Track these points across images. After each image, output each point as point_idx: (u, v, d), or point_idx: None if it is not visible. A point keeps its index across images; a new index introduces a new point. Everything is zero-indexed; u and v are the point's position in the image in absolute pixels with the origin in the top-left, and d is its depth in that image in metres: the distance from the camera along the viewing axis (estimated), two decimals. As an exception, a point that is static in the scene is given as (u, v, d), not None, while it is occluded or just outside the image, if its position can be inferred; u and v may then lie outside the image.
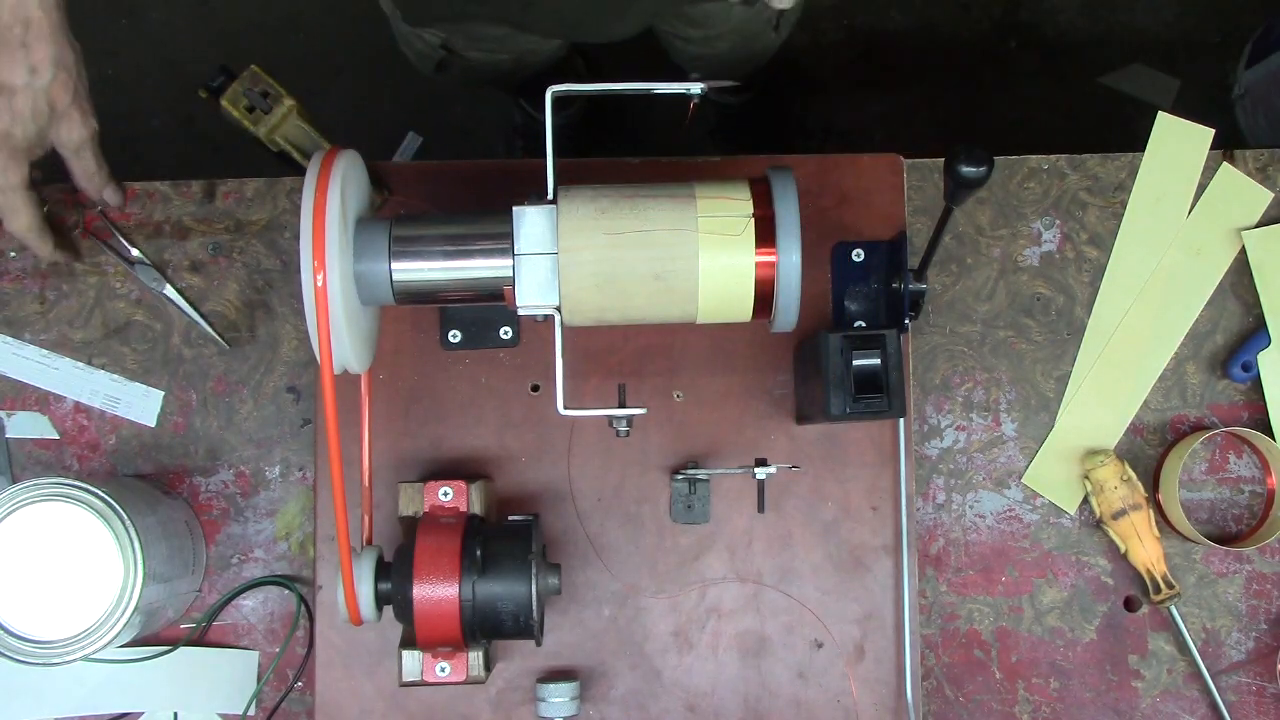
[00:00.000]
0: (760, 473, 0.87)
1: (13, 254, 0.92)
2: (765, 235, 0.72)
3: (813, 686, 0.89)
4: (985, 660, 0.92)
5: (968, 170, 0.69)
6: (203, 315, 0.92)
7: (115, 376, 0.92)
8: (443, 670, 0.80)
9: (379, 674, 0.88)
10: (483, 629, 0.77)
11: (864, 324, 0.92)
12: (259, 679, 0.90)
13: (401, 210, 0.91)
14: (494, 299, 0.75)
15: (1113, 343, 0.94)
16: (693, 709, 0.89)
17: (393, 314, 0.90)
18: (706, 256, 0.72)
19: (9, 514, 0.76)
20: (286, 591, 0.91)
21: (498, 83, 0.90)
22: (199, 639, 0.90)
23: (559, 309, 0.74)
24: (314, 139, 0.85)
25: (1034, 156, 0.96)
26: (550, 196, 0.74)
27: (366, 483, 0.82)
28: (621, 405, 0.83)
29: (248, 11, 1.84)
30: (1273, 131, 1.57)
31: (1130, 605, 0.93)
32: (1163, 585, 0.90)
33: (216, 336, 0.90)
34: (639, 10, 1.03)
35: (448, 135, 1.80)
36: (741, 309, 0.74)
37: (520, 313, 0.74)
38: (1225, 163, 0.96)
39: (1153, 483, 0.94)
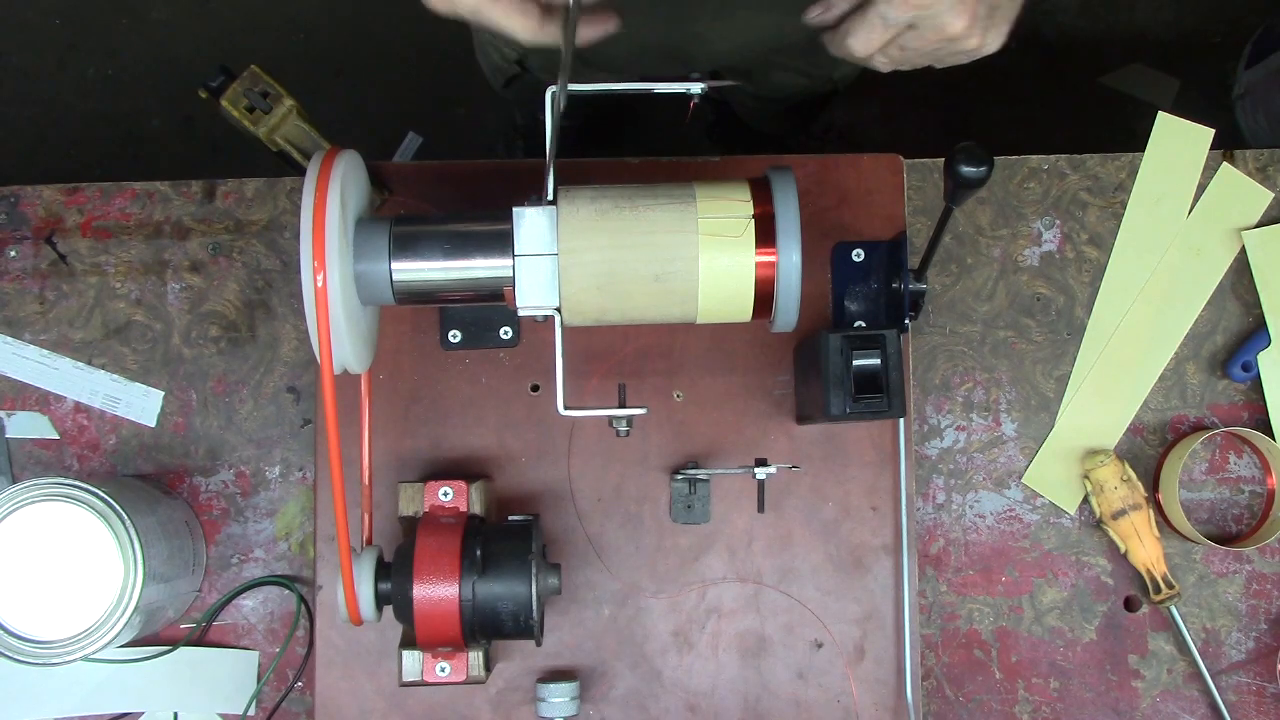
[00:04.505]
0: (760, 473, 0.87)
1: (13, 253, 0.92)
2: (765, 235, 0.72)
3: (813, 686, 0.89)
4: (985, 660, 0.92)
5: (968, 170, 0.69)
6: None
7: (115, 376, 0.92)
8: (443, 670, 0.80)
9: (379, 674, 0.88)
10: (483, 629, 0.77)
11: (864, 324, 0.92)
12: (259, 679, 0.90)
13: (401, 210, 0.91)
14: (494, 299, 0.75)
15: (1113, 343, 0.94)
16: (693, 709, 0.89)
17: (393, 314, 0.90)
18: (707, 257, 0.72)
19: (9, 514, 0.76)
20: (286, 591, 0.91)
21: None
22: (199, 639, 0.90)
23: (559, 310, 0.74)
24: (314, 139, 0.85)
25: (1034, 156, 0.96)
26: (550, 197, 0.74)
27: (366, 483, 0.82)
28: (621, 405, 0.83)
29: (248, 11, 1.84)
30: (1273, 131, 1.57)
31: (1130, 605, 0.93)
32: (1163, 585, 0.90)
33: None
34: (708, 63, 1.03)
35: (448, 135, 1.80)
36: (741, 309, 0.74)
37: (520, 313, 0.74)
38: (1225, 163, 0.96)
39: (1153, 483, 0.94)
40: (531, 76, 1.18)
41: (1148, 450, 0.94)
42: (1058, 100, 1.82)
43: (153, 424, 0.92)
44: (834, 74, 1.19)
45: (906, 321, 0.87)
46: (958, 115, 1.83)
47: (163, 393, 0.92)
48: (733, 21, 0.90)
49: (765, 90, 1.24)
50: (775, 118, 1.52)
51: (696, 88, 0.77)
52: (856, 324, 0.92)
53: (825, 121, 1.76)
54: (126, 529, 0.76)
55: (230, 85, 0.84)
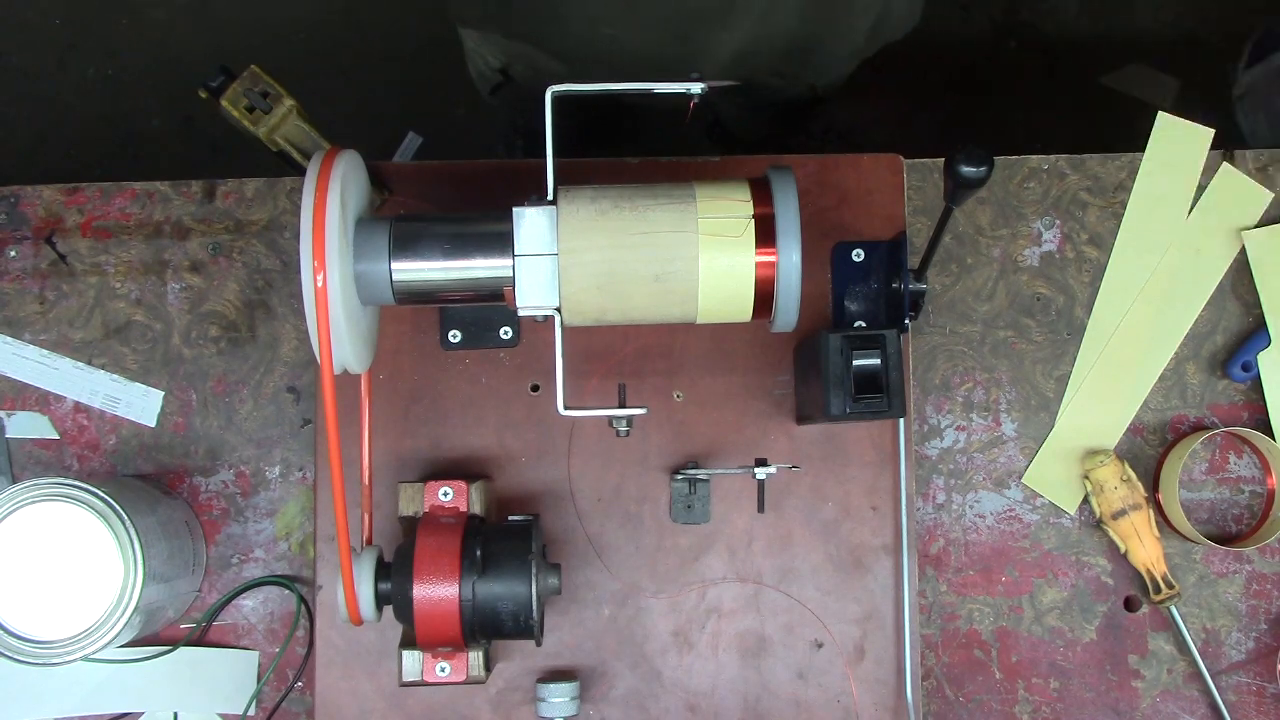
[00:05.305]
0: (760, 473, 0.87)
1: (13, 253, 0.92)
2: (765, 235, 0.72)
3: (813, 686, 0.89)
4: (985, 660, 0.92)
5: (968, 170, 0.69)
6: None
7: (115, 376, 0.92)
8: (443, 670, 0.80)
9: (379, 674, 0.88)
10: (483, 629, 0.77)
11: (864, 324, 0.92)
12: (259, 679, 0.90)
13: (401, 210, 0.91)
14: (494, 299, 0.75)
15: (1113, 343, 0.94)
16: (693, 709, 0.89)
17: (393, 314, 0.90)
18: (707, 257, 0.72)
19: (9, 514, 0.76)
20: (286, 591, 0.91)
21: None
22: (199, 639, 0.90)
23: (559, 310, 0.74)
24: (314, 139, 0.85)
25: (1034, 156, 0.96)
26: (550, 197, 0.74)
27: (366, 483, 0.82)
28: (621, 405, 0.84)
29: (248, 11, 1.84)
30: (1273, 131, 1.57)
31: (1130, 605, 0.93)
32: (1163, 585, 0.90)
33: None
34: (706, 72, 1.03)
35: (448, 135, 1.80)
36: (742, 309, 0.74)
37: (520, 313, 0.74)
38: (1225, 163, 0.96)
39: (1153, 483, 0.94)
40: (515, 84, 1.18)
41: (1148, 450, 0.94)
42: (1058, 100, 1.82)
43: (153, 424, 0.92)
44: (819, 82, 1.19)
45: (906, 321, 0.87)
46: (958, 115, 1.83)
47: (163, 393, 0.92)
48: (732, 29, 0.90)
49: (749, 97, 1.24)
50: (760, 124, 1.52)
51: (696, 88, 0.77)
52: (856, 324, 0.92)
53: (825, 121, 1.76)
54: (126, 529, 0.76)
55: (230, 85, 0.84)
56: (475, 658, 0.80)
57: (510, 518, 0.81)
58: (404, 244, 0.74)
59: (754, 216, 0.72)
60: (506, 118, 1.74)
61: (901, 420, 0.89)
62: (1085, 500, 0.93)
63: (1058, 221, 0.95)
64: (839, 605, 0.90)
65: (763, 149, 1.68)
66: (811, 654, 0.90)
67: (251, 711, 0.89)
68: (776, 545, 0.90)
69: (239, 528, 0.91)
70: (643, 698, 0.89)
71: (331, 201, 0.70)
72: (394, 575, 0.76)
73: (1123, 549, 0.91)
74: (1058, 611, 0.93)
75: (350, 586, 0.75)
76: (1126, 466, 0.91)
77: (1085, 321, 0.95)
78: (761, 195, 0.73)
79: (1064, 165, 0.96)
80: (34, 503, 0.76)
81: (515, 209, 0.73)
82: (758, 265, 0.72)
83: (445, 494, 0.82)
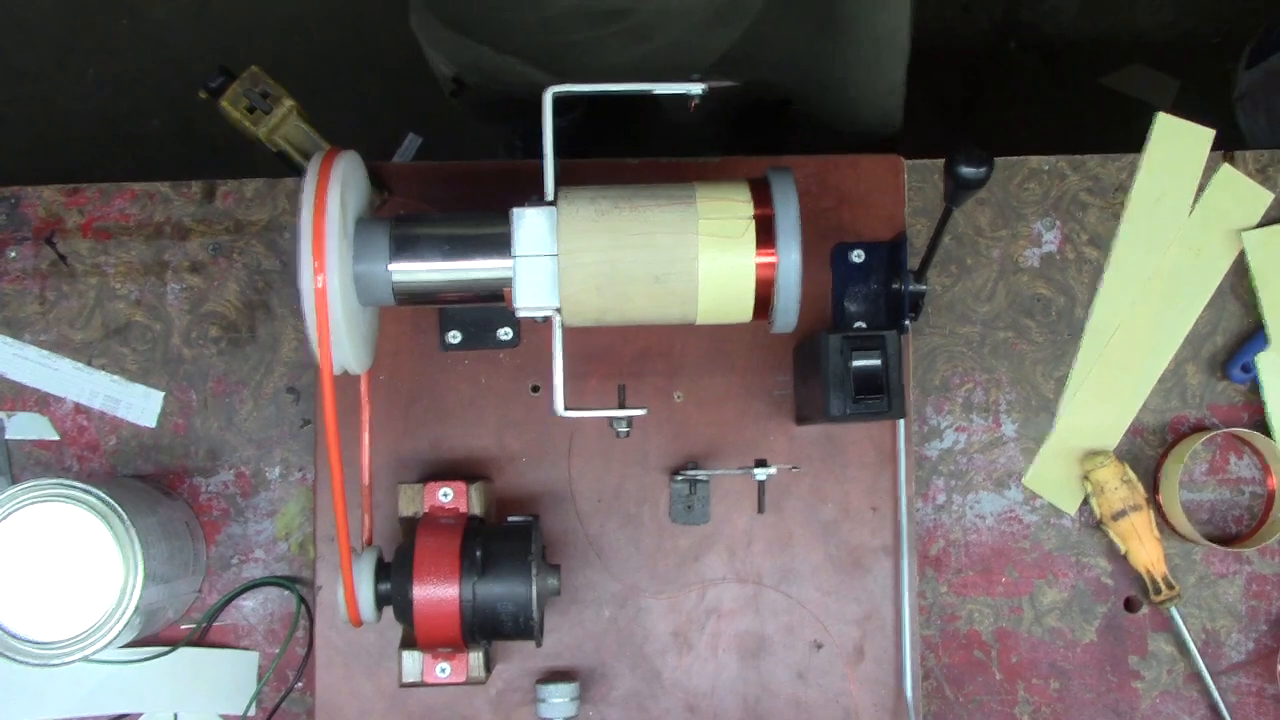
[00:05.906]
0: (760, 473, 0.87)
1: (13, 254, 0.92)
2: (765, 236, 0.72)
3: (813, 687, 0.89)
4: (985, 661, 0.92)
5: (968, 170, 0.69)
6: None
7: (115, 377, 0.92)
8: (443, 671, 0.80)
9: (379, 674, 0.88)
10: (483, 629, 0.77)
11: (864, 324, 0.92)
12: (259, 679, 0.90)
13: (401, 210, 0.91)
14: (494, 300, 0.75)
15: (1113, 343, 0.94)
16: (693, 710, 0.89)
17: (393, 314, 0.90)
18: (707, 258, 0.72)
19: (9, 514, 0.76)
20: (286, 592, 0.91)
21: (511, 112, 0.87)
22: (199, 639, 0.90)
23: (559, 310, 0.74)
24: (314, 139, 0.85)
25: (1034, 156, 0.96)
26: (550, 198, 0.74)
27: (366, 483, 0.82)
28: (621, 406, 0.83)
29: (248, 11, 1.84)
30: (1273, 132, 1.57)
31: (1130, 606, 0.93)
32: (1163, 586, 0.90)
33: None
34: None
35: (448, 135, 1.80)
36: (742, 310, 0.74)
37: (520, 314, 0.74)
38: (1225, 163, 0.95)
39: (1153, 484, 0.94)
40: (470, 89, 1.17)
41: (1148, 451, 0.94)
42: (1058, 100, 1.82)
43: (153, 425, 0.92)
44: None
45: (906, 322, 0.87)
46: (958, 115, 1.83)
47: (163, 393, 0.92)
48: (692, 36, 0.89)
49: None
50: (719, 135, 1.50)
51: (696, 88, 0.76)
52: (856, 325, 0.92)
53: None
54: (126, 529, 0.76)
55: (230, 86, 0.84)
56: (475, 658, 0.80)
57: (510, 518, 0.81)
58: (404, 245, 0.74)
59: (754, 217, 0.72)
60: (467, 120, 1.73)
61: (901, 421, 0.89)
62: (1085, 501, 0.93)
63: (1058, 222, 0.95)
64: (839, 606, 0.90)
65: (764, 150, 1.68)
66: (811, 654, 0.90)
67: (251, 712, 0.89)
68: (776, 546, 0.90)
69: (239, 528, 0.91)
70: (643, 698, 0.89)
71: (331, 202, 0.70)
72: (394, 576, 0.76)
73: (1123, 550, 0.91)
74: (1058, 612, 0.93)
75: (350, 587, 0.75)
76: (1127, 467, 0.91)
77: (1085, 322, 0.94)
78: (761, 196, 0.73)
79: (1064, 166, 0.96)
80: (34, 503, 0.76)
81: (514, 210, 0.73)
82: (758, 266, 0.72)
83: (445, 495, 0.82)
